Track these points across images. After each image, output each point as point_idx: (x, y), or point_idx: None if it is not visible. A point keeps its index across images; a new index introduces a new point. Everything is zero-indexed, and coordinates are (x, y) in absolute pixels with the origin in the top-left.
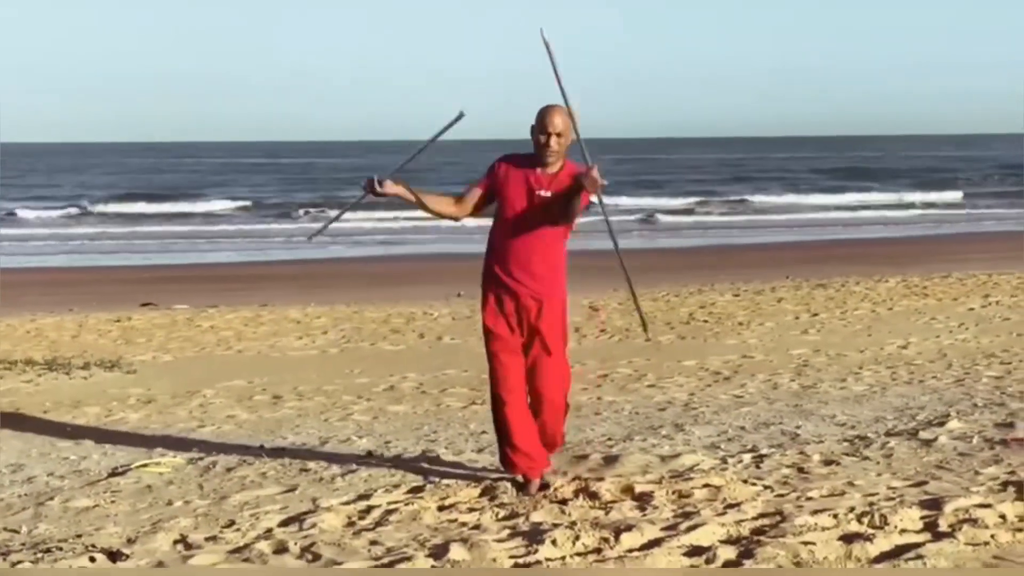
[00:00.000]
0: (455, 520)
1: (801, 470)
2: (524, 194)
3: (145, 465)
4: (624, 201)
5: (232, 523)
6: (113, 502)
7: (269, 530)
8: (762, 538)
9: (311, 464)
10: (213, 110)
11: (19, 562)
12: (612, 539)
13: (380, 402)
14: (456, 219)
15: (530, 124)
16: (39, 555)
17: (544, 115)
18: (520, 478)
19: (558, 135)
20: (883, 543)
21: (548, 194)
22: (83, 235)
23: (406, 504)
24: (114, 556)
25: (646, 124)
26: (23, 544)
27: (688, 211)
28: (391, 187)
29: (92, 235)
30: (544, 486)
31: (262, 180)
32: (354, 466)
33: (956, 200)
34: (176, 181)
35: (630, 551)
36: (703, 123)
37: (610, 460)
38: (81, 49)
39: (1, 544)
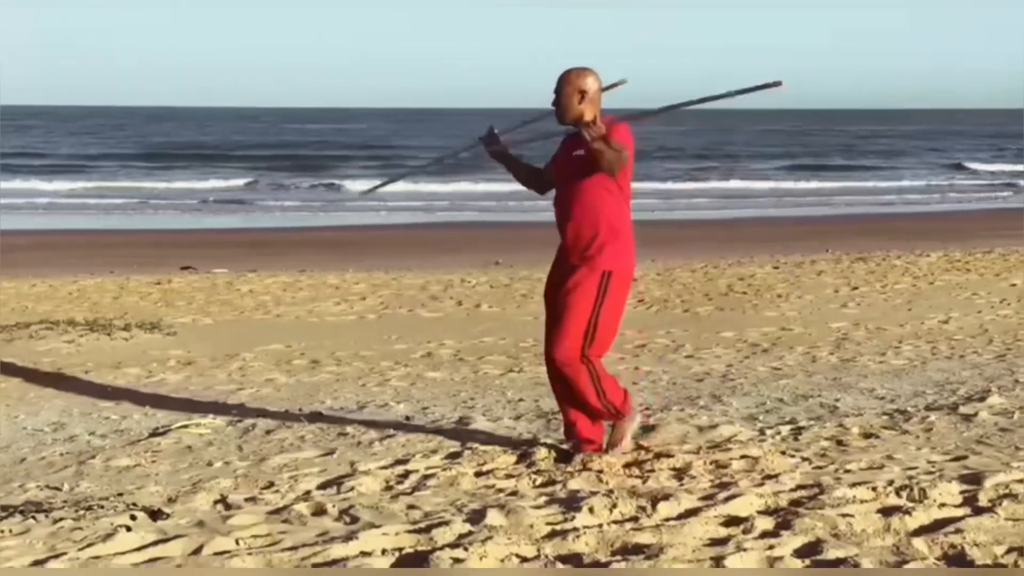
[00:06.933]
0: (492, 486)
1: (840, 443)
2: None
3: (185, 426)
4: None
5: (271, 484)
6: (154, 462)
7: (308, 492)
8: (800, 509)
9: (349, 428)
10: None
11: (61, 519)
12: (649, 508)
13: (418, 368)
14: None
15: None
16: (81, 512)
17: None
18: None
19: (554, 94)
20: (922, 517)
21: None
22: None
23: (443, 469)
24: (155, 515)
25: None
26: (65, 501)
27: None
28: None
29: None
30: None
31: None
32: (392, 431)
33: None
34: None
35: (667, 520)
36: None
37: (647, 430)
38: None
39: (44, 501)
